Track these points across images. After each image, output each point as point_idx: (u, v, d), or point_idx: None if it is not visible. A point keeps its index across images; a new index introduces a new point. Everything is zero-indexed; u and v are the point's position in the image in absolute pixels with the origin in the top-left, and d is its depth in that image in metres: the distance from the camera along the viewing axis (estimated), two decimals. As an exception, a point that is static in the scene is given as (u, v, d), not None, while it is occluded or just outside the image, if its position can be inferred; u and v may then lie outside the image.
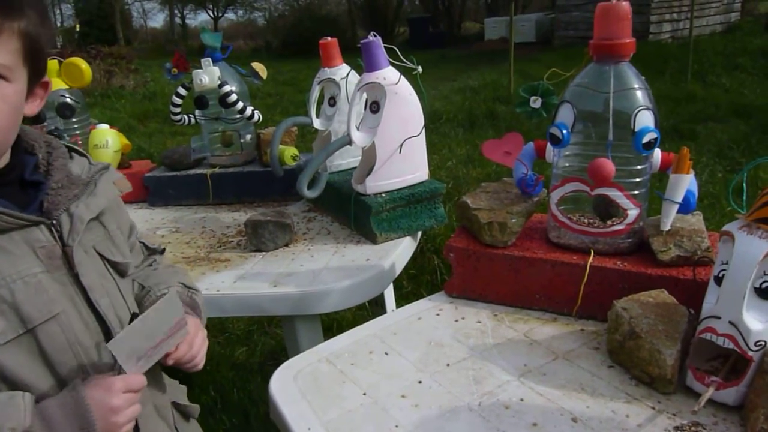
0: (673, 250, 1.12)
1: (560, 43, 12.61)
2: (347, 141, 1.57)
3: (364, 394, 1.01)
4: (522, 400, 0.97)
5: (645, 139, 1.09)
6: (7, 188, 0.81)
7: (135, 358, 0.83)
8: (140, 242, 1.06)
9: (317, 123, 1.87)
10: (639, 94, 1.11)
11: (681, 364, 0.97)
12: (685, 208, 1.15)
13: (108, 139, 2.08)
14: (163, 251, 1.13)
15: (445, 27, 19.90)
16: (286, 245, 1.64)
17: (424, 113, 1.60)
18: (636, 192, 1.16)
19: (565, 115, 1.16)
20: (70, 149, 0.93)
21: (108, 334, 0.87)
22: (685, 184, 1.13)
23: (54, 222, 0.83)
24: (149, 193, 2.11)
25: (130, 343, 0.82)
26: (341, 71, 1.82)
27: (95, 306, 0.86)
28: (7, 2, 0.76)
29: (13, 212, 0.78)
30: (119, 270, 0.93)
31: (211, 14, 28.46)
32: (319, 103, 1.90)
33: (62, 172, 0.87)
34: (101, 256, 0.89)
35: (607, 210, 1.20)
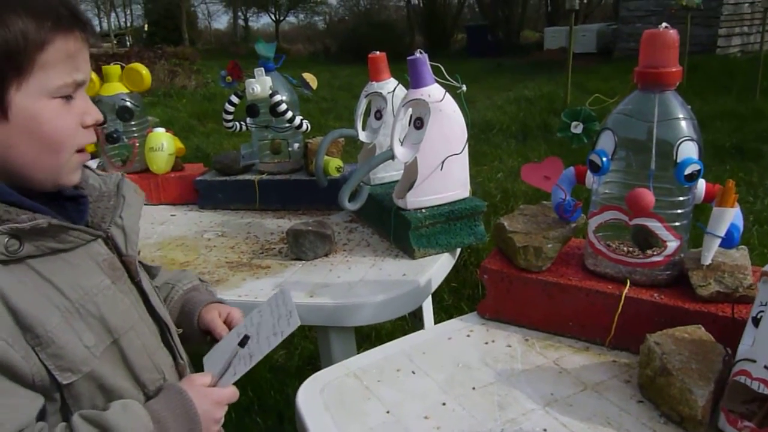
0: (713, 285, 1.09)
1: (621, 54, 12.30)
2: (390, 155, 1.58)
3: (388, 412, 1.02)
4: (545, 430, 0.96)
5: (687, 171, 1.07)
6: (54, 204, 0.82)
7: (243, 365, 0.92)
8: None
9: (363, 135, 1.89)
10: (683, 124, 1.09)
11: (714, 405, 0.94)
12: (728, 243, 1.12)
13: (163, 142, 2.17)
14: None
15: (504, 35, 19.73)
16: (326, 255, 1.67)
17: (468, 130, 1.60)
18: (677, 223, 1.13)
19: (606, 142, 1.14)
20: None
21: (163, 335, 0.93)
22: (729, 218, 1.09)
23: (108, 234, 0.87)
24: (199, 195, 2.18)
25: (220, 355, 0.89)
26: (388, 85, 1.84)
27: (154, 309, 0.91)
28: (88, 19, 0.80)
29: (86, 228, 0.82)
30: (152, 274, 1.01)
31: (273, 17, 29.08)
32: (366, 115, 1.92)
33: (88, 185, 0.90)
34: (140, 262, 0.95)
35: (647, 240, 1.17)
